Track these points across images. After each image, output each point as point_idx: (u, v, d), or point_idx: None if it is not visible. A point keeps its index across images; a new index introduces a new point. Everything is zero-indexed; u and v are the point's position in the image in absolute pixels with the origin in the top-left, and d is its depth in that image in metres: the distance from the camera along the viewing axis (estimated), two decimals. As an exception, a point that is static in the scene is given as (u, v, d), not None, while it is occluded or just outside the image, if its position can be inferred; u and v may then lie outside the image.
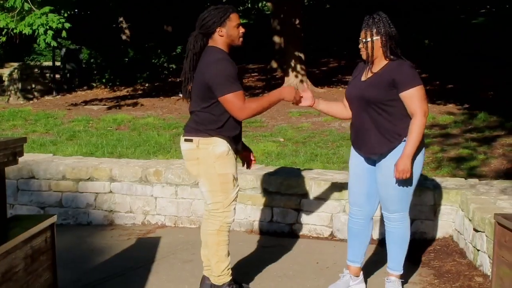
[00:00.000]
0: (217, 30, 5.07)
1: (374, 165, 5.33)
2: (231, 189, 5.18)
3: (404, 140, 5.10)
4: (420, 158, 5.19)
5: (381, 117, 5.14)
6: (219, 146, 5.09)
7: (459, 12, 25.29)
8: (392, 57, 5.15)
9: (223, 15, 5.06)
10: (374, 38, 5.14)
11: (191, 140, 5.14)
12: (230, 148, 5.15)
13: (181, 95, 5.80)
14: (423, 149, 5.26)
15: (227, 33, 5.08)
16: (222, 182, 5.13)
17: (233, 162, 5.20)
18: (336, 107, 5.57)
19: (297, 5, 17.86)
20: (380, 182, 5.29)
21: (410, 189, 5.25)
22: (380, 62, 5.20)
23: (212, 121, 5.09)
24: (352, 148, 5.47)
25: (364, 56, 5.24)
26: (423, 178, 7.48)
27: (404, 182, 5.17)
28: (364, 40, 5.18)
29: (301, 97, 5.37)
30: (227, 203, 5.16)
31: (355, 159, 5.45)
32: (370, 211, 5.50)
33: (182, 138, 5.26)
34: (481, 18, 24.95)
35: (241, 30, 5.14)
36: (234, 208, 5.25)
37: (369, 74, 5.23)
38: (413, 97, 5.03)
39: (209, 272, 5.32)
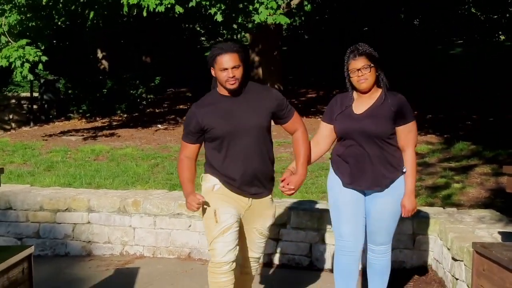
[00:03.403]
0: (211, 69, 4.97)
1: (363, 195, 5.32)
2: (212, 225, 4.93)
3: (404, 171, 5.19)
4: (402, 194, 5.24)
5: (382, 150, 5.14)
6: (206, 182, 5.08)
7: (436, 43, 25.52)
8: (387, 86, 5.21)
9: (211, 56, 4.93)
10: (372, 65, 5.11)
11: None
12: (220, 184, 5.01)
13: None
14: None
15: (217, 75, 4.95)
16: (205, 217, 5.03)
17: (219, 198, 4.98)
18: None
19: (276, 36, 17.95)
20: (373, 216, 5.28)
21: (398, 221, 5.34)
22: (374, 93, 5.20)
23: (206, 157, 5.13)
24: (341, 182, 5.31)
25: (365, 86, 5.14)
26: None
27: (395, 215, 5.25)
28: (368, 65, 5.09)
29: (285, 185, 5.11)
30: (209, 240, 4.97)
31: (347, 192, 5.30)
32: (362, 243, 5.39)
33: None
34: (458, 49, 25.19)
35: (229, 74, 4.85)
36: (225, 249, 4.88)
37: (365, 106, 5.19)
38: (411, 131, 5.16)
39: None
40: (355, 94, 5.27)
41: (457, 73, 20.34)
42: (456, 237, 6.10)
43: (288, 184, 5.05)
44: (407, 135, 5.13)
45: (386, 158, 5.14)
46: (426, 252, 6.99)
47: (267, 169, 5.10)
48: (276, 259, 7.33)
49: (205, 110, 4.97)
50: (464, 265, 5.71)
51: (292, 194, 5.14)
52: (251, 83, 5.10)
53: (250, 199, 5.06)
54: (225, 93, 4.97)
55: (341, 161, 5.31)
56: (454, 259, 6.02)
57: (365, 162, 5.16)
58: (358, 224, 5.30)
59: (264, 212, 5.16)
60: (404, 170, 5.17)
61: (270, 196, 5.19)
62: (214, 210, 4.95)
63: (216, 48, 4.95)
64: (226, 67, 4.83)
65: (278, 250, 7.31)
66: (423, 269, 6.93)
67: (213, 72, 4.95)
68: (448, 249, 6.22)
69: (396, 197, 5.20)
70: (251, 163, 4.97)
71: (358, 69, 5.09)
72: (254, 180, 5.03)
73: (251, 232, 5.21)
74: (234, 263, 4.94)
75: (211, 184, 5.04)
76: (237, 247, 4.97)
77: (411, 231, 6.98)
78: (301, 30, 28.97)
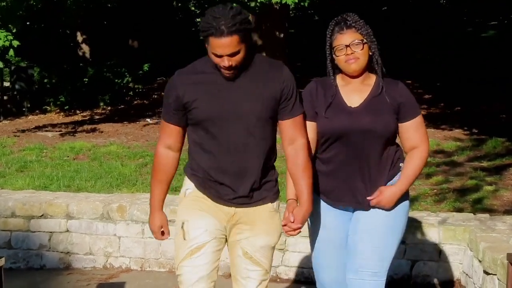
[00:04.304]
0: (205, 40, 4.13)
1: (351, 213, 4.64)
2: (181, 243, 4.31)
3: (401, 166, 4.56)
4: (408, 206, 4.69)
5: (383, 154, 4.52)
6: (183, 187, 4.46)
7: (466, 25, 25.48)
8: (383, 70, 4.54)
9: (203, 31, 4.08)
10: (364, 41, 4.46)
11: None
12: (195, 189, 4.35)
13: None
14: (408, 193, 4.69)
15: (209, 54, 4.15)
16: (175, 233, 4.37)
17: (190, 206, 4.34)
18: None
19: (281, 17, 17.96)
20: (361, 228, 4.55)
21: (397, 244, 4.60)
22: (366, 79, 4.56)
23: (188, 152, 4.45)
24: (325, 203, 4.64)
25: (355, 67, 4.45)
26: (426, 214, 7.55)
27: (394, 231, 4.55)
28: (360, 40, 4.42)
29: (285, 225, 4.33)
30: (176, 263, 4.37)
31: (331, 216, 4.65)
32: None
33: None
34: (492, 31, 25.14)
35: (224, 63, 4.07)
36: (193, 276, 4.27)
37: (360, 97, 4.51)
38: (419, 126, 4.54)
39: None
40: (339, 79, 4.60)
41: (490, 60, 20.30)
42: (488, 247, 6.10)
43: (293, 222, 4.29)
44: (415, 132, 4.51)
45: (386, 165, 4.53)
46: (454, 264, 6.99)
47: (259, 171, 4.30)
48: (282, 273, 7.33)
49: (190, 81, 4.25)
50: (498, 279, 5.71)
51: (297, 234, 4.41)
52: (259, 56, 4.36)
53: (233, 207, 4.32)
54: None
55: (326, 172, 4.61)
56: (486, 272, 6.02)
57: (362, 172, 4.51)
58: (344, 267, 4.60)
59: (255, 223, 4.35)
60: (401, 166, 4.55)
61: (267, 205, 4.38)
62: (182, 222, 4.32)
63: (209, 22, 4.03)
64: (221, 54, 4.05)
65: (285, 262, 7.31)
66: (450, 284, 6.94)
67: (206, 46, 4.14)
68: (480, 261, 6.23)
69: (398, 209, 4.55)
70: (237, 160, 4.23)
71: (347, 46, 4.41)
72: (239, 182, 4.28)
73: (234, 249, 4.43)
74: None
75: (184, 188, 4.44)
76: (214, 273, 4.37)
77: (437, 241, 6.99)
78: (310, 10, 28.93)
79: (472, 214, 7.72)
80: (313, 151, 4.52)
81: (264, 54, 17.86)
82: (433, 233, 6.99)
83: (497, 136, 12.41)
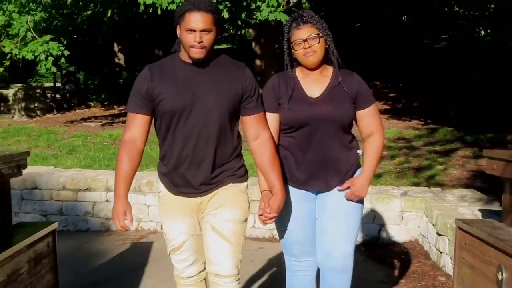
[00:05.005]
0: (177, 27, 3.65)
1: (314, 195, 4.04)
2: (166, 239, 3.88)
3: (360, 154, 4.03)
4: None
5: (341, 141, 3.95)
6: (158, 186, 3.96)
7: (422, 38, 25.44)
8: (339, 61, 3.97)
9: (178, 12, 3.60)
10: (320, 35, 3.86)
11: None
12: (165, 190, 3.86)
13: None
14: None
15: (181, 37, 3.63)
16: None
17: (165, 209, 3.86)
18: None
19: (276, 31, 17.91)
20: (328, 213, 3.97)
21: (360, 223, 4.07)
22: (324, 71, 3.98)
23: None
24: (293, 187, 4.01)
25: (313, 60, 3.86)
26: (390, 188, 7.55)
27: (357, 211, 4.00)
28: (317, 34, 3.83)
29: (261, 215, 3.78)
30: (167, 253, 3.90)
31: (296, 196, 4.02)
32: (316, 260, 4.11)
33: None
34: (443, 43, 25.10)
35: (196, 38, 3.53)
36: (181, 265, 3.86)
37: (319, 87, 3.93)
38: (375, 114, 3.97)
39: None
40: (299, 72, 4.01)
41: (441, 65, 20.26)
42: (440, 214, 6.11)
43: (269, 212, 3.72)
44: (372, 119, 3.96)
45: (345, 150, 3.95)
46: (413, 228, 6.99)
47: (218, 159, 3.73)
48: (277, 234, 7.31)
49: (159, 74, 3.67)
50: (448, 239, 5.71)
51: (272, 222, 3.79)
52: (223, 56, 3.79)
53: (198, 197, 3.76)
54: (188, 59, 3.66)
55: (290, 156, 4.00)
56: (438, 234, 6.02)
57: (323, 157, 3.92)
58: (312, 238, 4.06)
59: (219, 199, 3.78)
60: (359, 153, 4.02)
61: (229, 185, 3.82)
62: (162, 223, 3.92)
63: (186, 4, 3.54)
64: (194, 28, 3.50)
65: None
66: (410, 243, 6.93)
67: (178, 32, 3.64)
68: (433, 225, 6.23)
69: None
70: (197, 149, 3.68)
71: (304, 40, 3.82)
72: (196, 170, 3.72)
73: (204, 229, 3.82)
74: (202, 273, 3.91)
75: (157, 190, 4.03)
76: (201, 257, 3.85)
77: (400, 209, 6.98)
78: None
79: (427, 188, 7.73)
80: (276, 142, 3.92)
81: (263, 62, 17.94)
82: (396, 203, 6.98)
83: (447, 126, 12.40)
